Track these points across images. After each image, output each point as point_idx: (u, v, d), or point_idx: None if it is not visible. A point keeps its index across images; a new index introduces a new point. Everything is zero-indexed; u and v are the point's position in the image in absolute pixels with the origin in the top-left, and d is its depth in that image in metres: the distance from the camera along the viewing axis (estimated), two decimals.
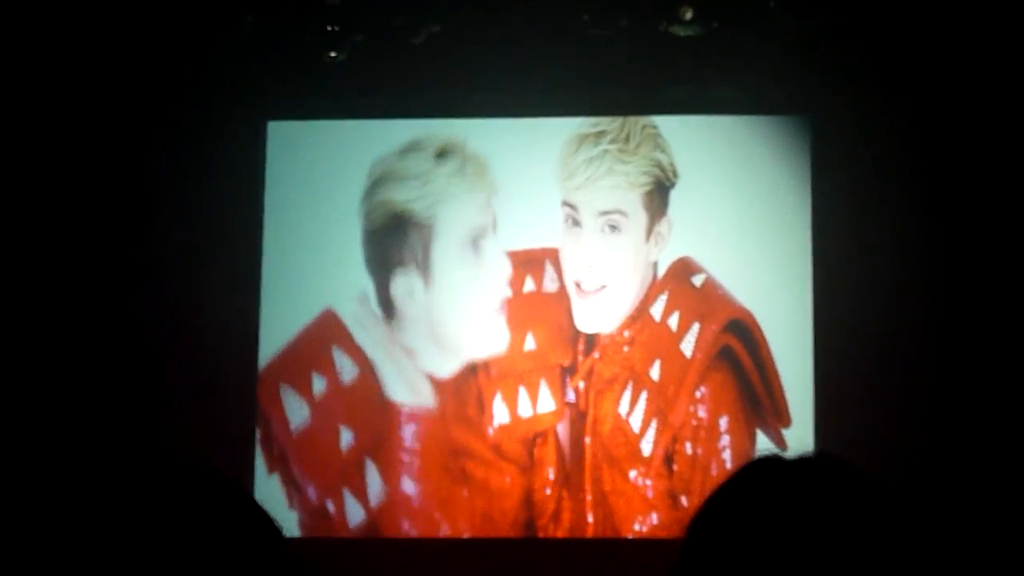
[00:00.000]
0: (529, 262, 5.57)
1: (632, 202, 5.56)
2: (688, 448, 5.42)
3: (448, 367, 5.53)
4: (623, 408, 5.50)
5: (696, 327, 5.48)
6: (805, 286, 5.53)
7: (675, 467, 5.40)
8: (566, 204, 5.57)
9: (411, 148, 5.64)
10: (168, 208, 5.60)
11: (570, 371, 5.55)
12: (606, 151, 5.56)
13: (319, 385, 5.51)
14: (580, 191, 5.56)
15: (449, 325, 5.55)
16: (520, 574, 5.41)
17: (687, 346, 5.48)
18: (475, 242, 5.58)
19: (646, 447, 5.45)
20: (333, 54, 5.58)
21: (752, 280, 5.56)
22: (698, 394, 5.47)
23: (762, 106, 5.77)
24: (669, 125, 5.65)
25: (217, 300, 5.47)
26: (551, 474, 5.48)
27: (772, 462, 1.28)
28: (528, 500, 5.48)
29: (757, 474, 1.28)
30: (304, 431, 5.50)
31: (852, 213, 5.59)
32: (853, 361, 5.48)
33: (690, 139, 5.68)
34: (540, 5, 5.56)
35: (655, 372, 5.49)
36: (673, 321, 5.52)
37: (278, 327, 5.58)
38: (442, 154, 5.61)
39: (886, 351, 5.48)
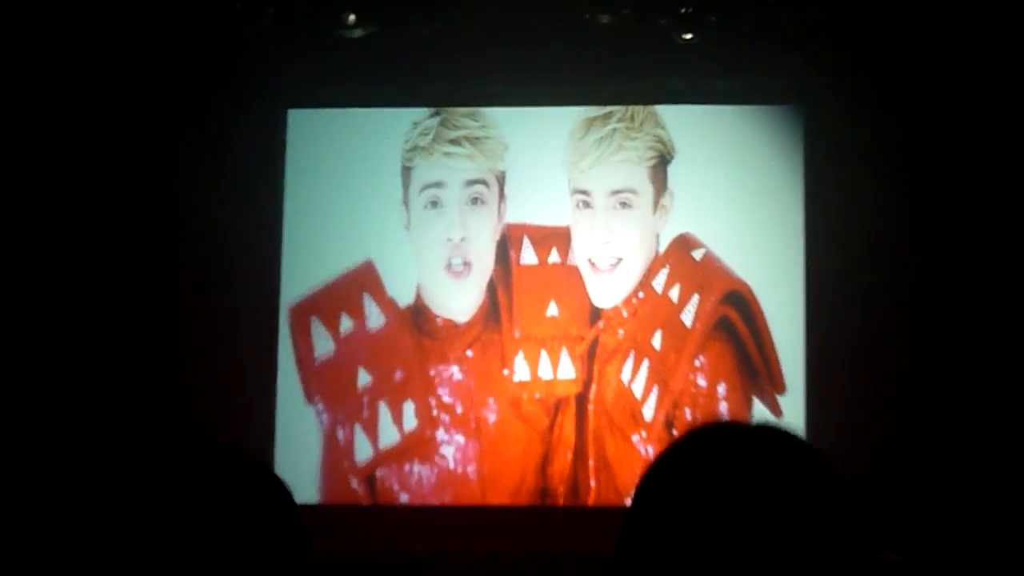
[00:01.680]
0: (553, 236, 5.86)
1: (640, 177, 5.84)
2: (688, 414, 5.68)
3: (463, 303, 5.83)
4: (625, 376, 5.75)
5: (696, 298, 5.75)
6: (798, 260, 5.78)
7: (675, 432, 5.66)
8: (577, 191, 5.83)
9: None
10: (199, 183, 5.88)
11: (591, 338, 5.82)
12: (615, 129, 5.85)
13: (346, 324, 5.84)
14: (592, 171, 5.83)
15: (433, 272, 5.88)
16: (533, 537, 5.61)
17: (687, 316, 5.75)
18: (478, 197, 5.87)
19: (648, 412, 5.71)
20: (352, 20, 5.72)
21: (749, 254, 5.82)
22: (697, 362, 5.72)
23: (758, 96, 6.02)
24: (671, 113, 5.92)
25: (242, 259, 5.85)
26: (571, 441, 5.74)
27: (719, 429, 1.29)
28: (544, 463, 5.74)
29: (702, 440, 1.28)
30: (325, 362, 5.82)
31: (841, 193, 5.85)
32: (842, 331, 5.74)
33: (691, 126, 5.94)
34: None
35: (656, 341, 5.75)
36: (674, 293, 5.78)
37: (297, 287, 5.90)
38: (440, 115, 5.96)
39: (872, 323, 5.74)
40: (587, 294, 5.83)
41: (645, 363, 5.75)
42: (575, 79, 5.96)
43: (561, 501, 5.74)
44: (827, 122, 5.97)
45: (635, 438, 5.72)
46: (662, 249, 5.85)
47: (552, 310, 5.83)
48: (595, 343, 5.81)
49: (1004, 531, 5.46)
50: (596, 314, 5.82)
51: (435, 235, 5.84)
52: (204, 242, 5.87)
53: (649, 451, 5.68)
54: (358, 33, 5.79)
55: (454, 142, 5.91)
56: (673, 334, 5.76)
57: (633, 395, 5.75)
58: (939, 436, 5.65)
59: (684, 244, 5.84)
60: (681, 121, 5.95)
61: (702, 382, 5.73)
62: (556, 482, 5.74)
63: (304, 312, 5.85)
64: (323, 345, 5.84)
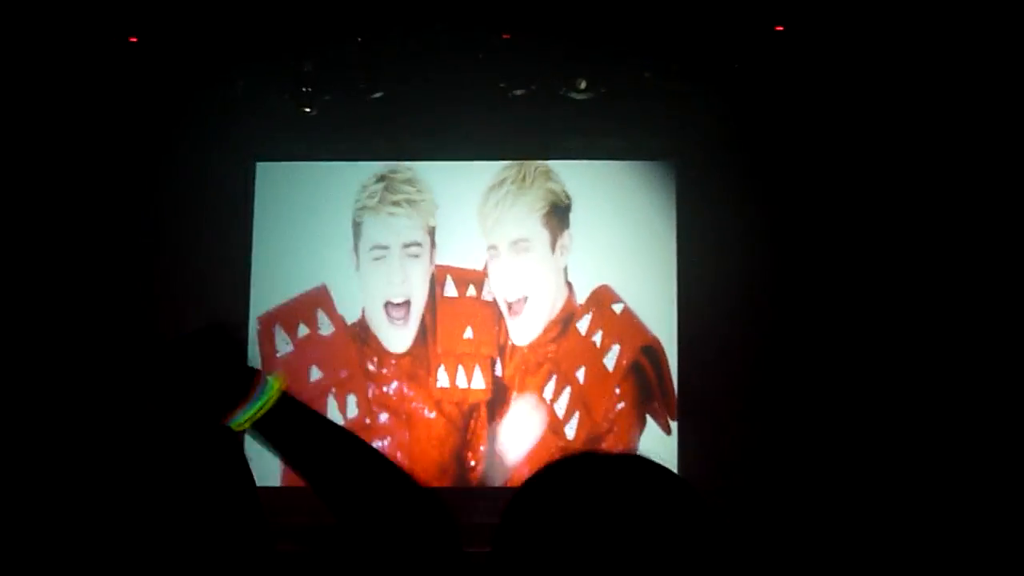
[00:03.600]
0: (472, 277, 6.76)
1: (532, 225, 6.74)
2: (603, 434, 6.58)
3: (400, 341, 6.73)
4: (547, 394, 6.63)
5: (617, 348, 6.63)
6: (671, 289, 6.59)
7: (594, 447, 6.27)
8: (489, 247, 6.76)
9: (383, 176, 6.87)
10: (182, 222, 6.59)
11: (499, 359, 6.68)
12: (508, 191, 6.77)
13: (303, 331, 6.71)
14: (496, 227, 6.73)
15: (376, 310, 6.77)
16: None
17: (609, 361, 6.61)
18: (415, 254, 6.77)
19: (569, 432, 6.59)
20: (307, 110, 6.67)
21: (630, 284, 6.64)
22: (615, 398, 6.58)
23: (639, 153, 6.75)
24: (568, 168, 6.76)
25: (218, 286, 6.60)
26: (482, 445, 6.61)
27: (581, 459, 1.29)
28: (459, 453, 6.61)
29: (563, 470, 1.28)
30: (284, 359, 6.71)
31: (706, 231, 6.55)
32: (707, 363, 6.46)
33: (586, 179, 6.75)
34: (467, 72, 6.59)
35: (580, 375, 6.62)
36: (597, 338, 6.63)
37: (263, 306, 6.74)
38: (384, 180, 6.86)
39: (734, 355, 6.42)
40: (507, 332, 6.68)
41: (567, 390, 6.59)
42: (492, 139, 6.71)
43: (476, 483, 6.57)
44: (694, 174, 6.63)
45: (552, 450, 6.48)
46: (571, 281, 6.68)
47: (468, 333, 6.69)
48: (517, 363, 6.66)
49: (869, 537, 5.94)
50: (514, 350, 6.68)
51: (379, 279, 6.72)
52: (185, 271, 6.56)
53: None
54: (313, 113, 6.62)
55: (396, 204, 6.80)
56: (596, 374, 6.58)
57: (555, 414, 6.60)
58: (790, 442, 6.29)
59: (604, 296, 6.67)
60: (577, 175, 6.73)
61: (615, 415, 6.55)
62: (470, 468, 6.57)
63: (269, 321, 6.70)
64: (283, 347, 6.69)
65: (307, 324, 6.78)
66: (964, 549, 5.68)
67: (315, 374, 6.75)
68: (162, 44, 6.46)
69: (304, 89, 6.70)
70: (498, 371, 6.68)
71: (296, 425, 1.61)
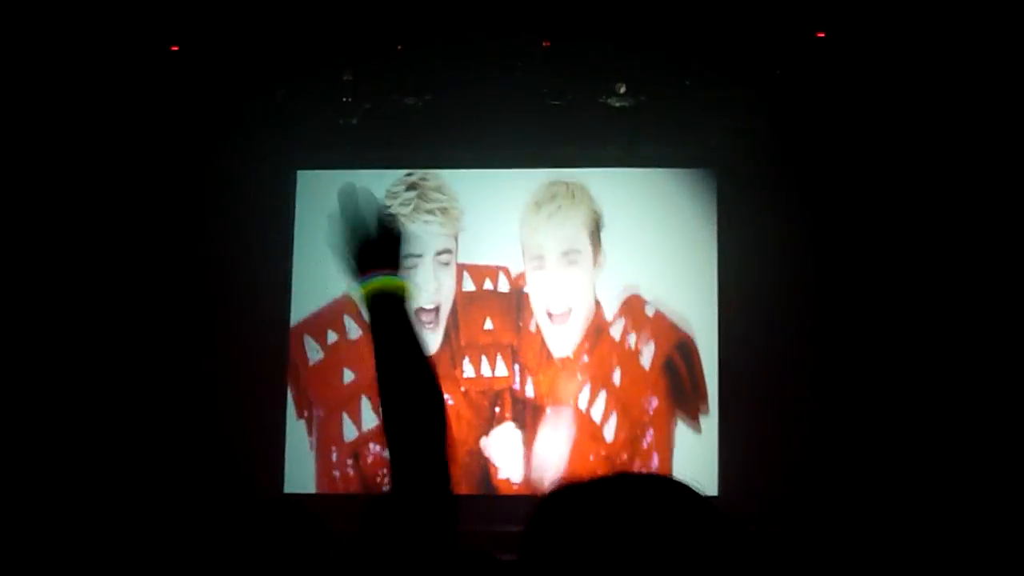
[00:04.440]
0: (488, 272, 6.89)
1: (583, 240, 6.86)
2: (645, 433, 6.69)
3: (431, 344, 6.77)
4: (582, 403, 6.74)
5: (652, 345, 6.74)
6: (712, 297, 6.66)
7: (634, 446, 6.68)
8: (533, 256, 6.86)
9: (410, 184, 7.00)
10: (226, 230, 6.75)
11: (523, 362, 6.80)
12: (560, 206, 6.89)
13: (332, 337, 6.81)
14: (545, 238, 6.86)
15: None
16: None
17: (645, 360, 6.73)
18: (445, 262, 6.91)
19: (608, 434, 6.70)
20: (353, 120, 6.77)
21: (670, 291, 6.75)
22: (651, 397, 6.70)
23: (679, 160, 6.82)
24: (604, 177, 6.84)
25: (260, 288, 6.81)
26: (511, 433, 6.73)
27: (612, 480, 1.24)
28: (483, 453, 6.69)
29: (592, 490, 1.23)
30: (317, 366, 6.86)
31: (747, 239, 6.60)
32: (747, 363, 6.54)
33: (622, 186, 6.82)
34: (507, 80, 6.64)
35: (616, 378, 6.74)
36: (631, 340, 6.76)
37: (302, 314, 6.90)
38: (416, 188, 6.96)
39: (772, 358, 6.50)
40: (544, 342, 6.81)
41: (603, 393, 6.71)
42: (533, 147, 6.77)
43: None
44: (735, 181, 6.70)
45: (591, 458, 6.63)
46: (600, 296, 6.79)
47: (488, 324, 6.86)
48: (554, 379, 6.79)
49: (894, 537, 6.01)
50: (550, 362, 6.80)
51: (413, 283, 6.78)
52: (230, 276, 6.71)
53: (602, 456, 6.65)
54: (353, 122, 6.73)
55: (430, 212, 6.92)
56: (633, 373, 6.70)
57: (592, 419, 6.71)
58: (811, 440, 6.40)
59: (635, 303, 6.78)
60: (613, 185, 6.81)
61: (652, 410, 6.67)
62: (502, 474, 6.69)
63: (298, 332, 6.86)
64: (314, 355, 6.84)
65: (336, 331, 6.91)
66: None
67: (348, 376, 6.85)
68: (204, 54, 6.59)
69: (344, 99, 6.77)
70: (518, 358, 6.85)
71: (383, 321, 1.86)
